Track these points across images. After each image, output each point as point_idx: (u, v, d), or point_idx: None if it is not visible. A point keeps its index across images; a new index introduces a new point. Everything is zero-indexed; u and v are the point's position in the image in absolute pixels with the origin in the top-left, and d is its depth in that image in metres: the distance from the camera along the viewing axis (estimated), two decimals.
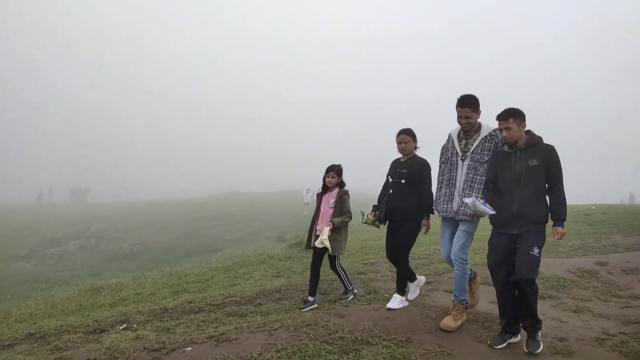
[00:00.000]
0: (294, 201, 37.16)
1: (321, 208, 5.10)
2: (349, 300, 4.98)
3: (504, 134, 3.51)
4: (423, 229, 4.43)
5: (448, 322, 3.90)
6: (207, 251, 22.32)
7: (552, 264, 6.23)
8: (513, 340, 3.58)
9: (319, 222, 5.07)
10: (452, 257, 3.95)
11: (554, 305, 4.73)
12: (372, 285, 5.68)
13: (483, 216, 3.71)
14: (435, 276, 5.82)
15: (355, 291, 5.20)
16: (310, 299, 4.95)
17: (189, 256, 22.10)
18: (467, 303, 4.07)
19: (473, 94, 3.87)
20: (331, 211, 4.96)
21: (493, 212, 3.48)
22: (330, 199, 5.03)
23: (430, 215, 4.41)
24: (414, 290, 4.82)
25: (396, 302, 4.48)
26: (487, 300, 4.91)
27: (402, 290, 4.58)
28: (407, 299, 4.63)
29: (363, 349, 3.54)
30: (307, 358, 3.37)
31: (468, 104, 3.81)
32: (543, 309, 4.59)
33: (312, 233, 5.13)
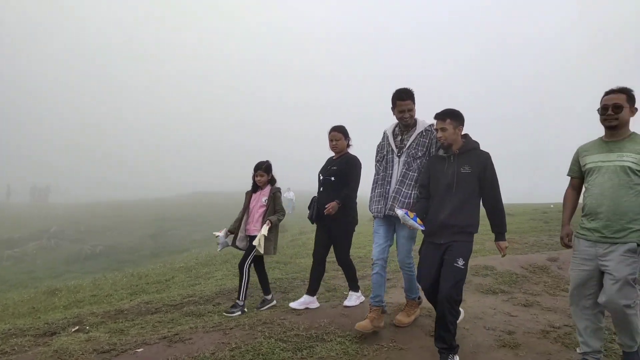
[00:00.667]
0: None
1: (251, 207, 4.92)
2: (234, 316, 4.51)
3: (439, 134, 3.33)
4: (328, 209, 4.19)
5: (401, 318, 3.92)
6: (173, 252, 21.94)
7: (506, 260, 6.41)
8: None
9: (249, 222, 4.87)
10: (400, 264, 3.89)
11: (505, 299, 4.88)
12: (332, 283, 5.72)
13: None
14: (393, 273, 5.91)
15: (246, 310, 4.73)
16: (268, 298, 4.97)
17: (154, 257, 21.68)
18: (419, 299, 4.06)
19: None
20: (262, 210, 4.81)
21: (422, 229, 3.32)
22: (262, 196, 4.88)
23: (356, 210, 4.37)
24: (354, 299, 4.52)
25: (352, 299, 4.47)
26: None
27: (355, 286, 4.55)
28: (344, 304, 4.47)
29: (317, 345, 3.56)
30: (260, 356, 3.36)
31: (409, 97, 3.66)
32: (495, 303, 4.75)
33: (239, 233, 4.86)
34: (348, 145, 4.53)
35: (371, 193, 3.89)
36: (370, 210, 3.88)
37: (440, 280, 3.21)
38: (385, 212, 3.72)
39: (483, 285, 5.39)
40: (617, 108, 2.81)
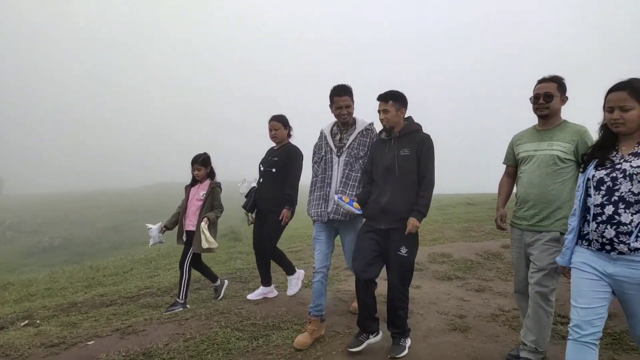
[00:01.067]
0: (229, 192, 36.55)
1: (188, 201, 4.72)
2: (173, 312, 4.30)
3: (381, 116, 3.20)
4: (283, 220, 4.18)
5: (301, 339, 3.38)
6: (135, 244, 21.43)
7: (462, 247, 6.62)
8: (372, 341, 3.21)
9: (187, 216, 4.65)
10: (351, 269, 3.46)
11: (459, 285, 5.04)
12: None
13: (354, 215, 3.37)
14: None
15: (188, 306, 4.55)
16: (217, 284, 4.93)
17: (115, 249, 21.13)
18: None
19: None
20: (199, 204, 4.59)
21: (359, 212, 3.21)
22: (200, 190, 4.68)
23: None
24: (294, 284, 4.59)
25: (292, 285, 4.45)
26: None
27: (290, 270, 4.52)
28: (287, 294, 4.50)
29: (274, 334, 3.58)
30: (215, 345, 3.34)
31: (346, 92, 3.47)
32: (450, 289, 4.89)
33: (181, 227, 4.71)
34: (289, 135, 4.42)
35: (310, 196, 3.62)
36: (309, 214, 3.62)
37: (388, 269, 3.17)
38: (327, 216, 3.46)
39: (439, 272, 5.53)
40: (548, 97, 2.81)
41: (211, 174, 4.81)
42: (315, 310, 3.50)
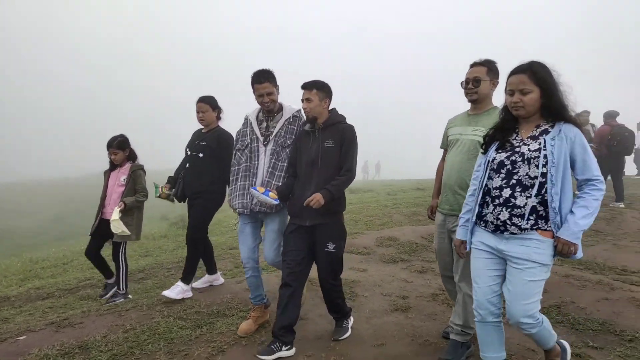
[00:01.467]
0: None
1: (109, 187, 4.42)
2: (114, 304, 4.13)
3: (304, 105, 3.07)
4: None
5: (245, 327, 3.32)
6: (79, 235, 20.53)
7: (409, 231, 6.82)
8: (284, 354, 2.95)
9: (106, 204, 4.39)
10: (271, 264, 3.45)
11: (404, 267, 5.19)
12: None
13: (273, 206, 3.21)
14: None
15: (129, 296, 4.37)
16: (110, 282, 4.56)
17: (58, 241, 20.10)
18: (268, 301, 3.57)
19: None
20: (121, 189, 4.33)
21: (276, 202, 3.08)
22: (121, 175, 4.39)
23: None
24: (204, 281, 4.46)
25: (175, 291, 3.97)
26: (346, 266, 5.23)
27: (187, 277, 4.05)
28: (191, 287, 4.19)
29: (218, 321, 3.55)
30: (156, 335, 3.27)
31: (267, 79, 3.23)
32: (395, 271, 5.03)
33: (99, 216, 4.43)
34: (218, 118, 4.20)
35: (232, 185, 3.40)
36: (232, 206, 3.40)
37: (317, 265, 3.09)
38: (251, 208, 3.26)
39: (385, 255, 5.67)
40: (477, 81, 2.79)
41: (131, 157, 4.51)
42: (256, 300, 3.47)
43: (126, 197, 4.29)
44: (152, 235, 9.63)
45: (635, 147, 10.78)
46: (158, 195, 4.15)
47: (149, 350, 3.06)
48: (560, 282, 4.20)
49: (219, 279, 4.51)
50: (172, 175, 4.26)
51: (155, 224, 16.03)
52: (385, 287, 4.40)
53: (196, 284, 4.41)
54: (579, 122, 2.21)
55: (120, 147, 4.40)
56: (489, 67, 2.81)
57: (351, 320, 3.37)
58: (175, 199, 4.21)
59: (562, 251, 2.11)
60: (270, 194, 3.06)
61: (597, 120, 8.83)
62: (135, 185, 4.38)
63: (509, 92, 2.22)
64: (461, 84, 2.88)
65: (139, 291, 4.63)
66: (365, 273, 4.92)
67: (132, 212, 4.31)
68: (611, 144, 8.05)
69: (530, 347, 3.00)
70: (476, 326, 2.38)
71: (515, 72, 2.21)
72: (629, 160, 10.72)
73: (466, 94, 2.86)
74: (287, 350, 2.96)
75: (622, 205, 8.29)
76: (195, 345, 3.13)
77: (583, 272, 4.64)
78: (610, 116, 8.38)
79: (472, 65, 2.86)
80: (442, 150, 3.20)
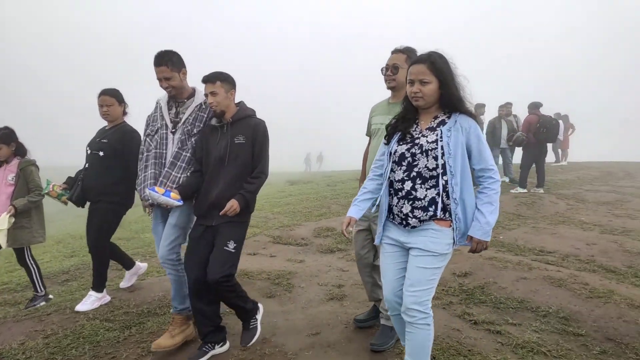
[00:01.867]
0: None
1: None
2: (37, 308, 3.83)
3: (210, 99, 2.82)
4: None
5: (162, 341, 2.92)
6: None
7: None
8: (218, 351, 2.89)
9: None
10: (161, 261, 3.05)
11: (341, 257, 5.27)
12: None
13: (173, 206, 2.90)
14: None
15: (51, 296, 4.14)
16: (38, 293, 4.13)
17: None
18: (190, 311, 3.09)
19: (173, 49, 3.03)
20: (10, 190, 3.95)
21: (179, 203, 2.85)
22: (8, 173, 3.98)
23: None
24: (128, 278, 4.21)
25: (88, 301, 3.68)
26: (283, 258, 5.23)
27: (99, 285, 3.74)
28: (120, 286, 4.11)
29: (149, 320, 3.43)
30: (81, 339, 3.10)
31: (165, 62, 2.93)
32: (331, 261, 5.09)
33: None
34: (124, 113, 3.82)
35: (140, 174, 3.10)
36: (142, 197, 3.10)
37: (209, 266, 2.72)
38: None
39: (323, 246, 5.74)
40: (395, 69, 2.76)
41: (19, 152, 4.11)
42: (178, 308, 3.15)
43: (17, 198, 3.94)
44: (80, 234, 9.08)
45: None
46: (47, 192, 3.76)
47: (72, 355, 2.90)
48: (484, 264, 4.45)
49: (140, 267, 4.26)
50: (73, 175, 3.87)
51: (83, 222, 15.17)
52: (322, 277, 4.45)
53: (123, 283, 4.21)
54: (475, 113, 2.25)
55: (4, 141, 3.98)
56: (409, 54, 2.75)
57: (260, 312, 3.09)
58: (71, 202, 3.79)
59: (476, 250, 2.17)
60: (172, 194, 2.82)
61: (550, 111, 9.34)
62: (28, 184, 4.01)
63: (410, 82, 2.22)
64: (381, 70, 2.86)
65: (63, 294, 4.36)
66: (303, 264, 4.95)
67: (28, 214, 3.99)
68: (540, 131, 8.62)
69: (455, 327, 3.16)
70: (391, 318, 2.40)
71: (416, 62, 2.21)
72: (549, 148, 11.53)
73: (385, 81, 2.86)
74: (220, 347, 2.90)
75: (541, 191, 8.96)
76: (123, 347, 3.01)
77: (505, 254, 4.95)
78: (535, 107, 8.99)
79: (392, 52, 2.85)
80: (368, 137, 3.18)
